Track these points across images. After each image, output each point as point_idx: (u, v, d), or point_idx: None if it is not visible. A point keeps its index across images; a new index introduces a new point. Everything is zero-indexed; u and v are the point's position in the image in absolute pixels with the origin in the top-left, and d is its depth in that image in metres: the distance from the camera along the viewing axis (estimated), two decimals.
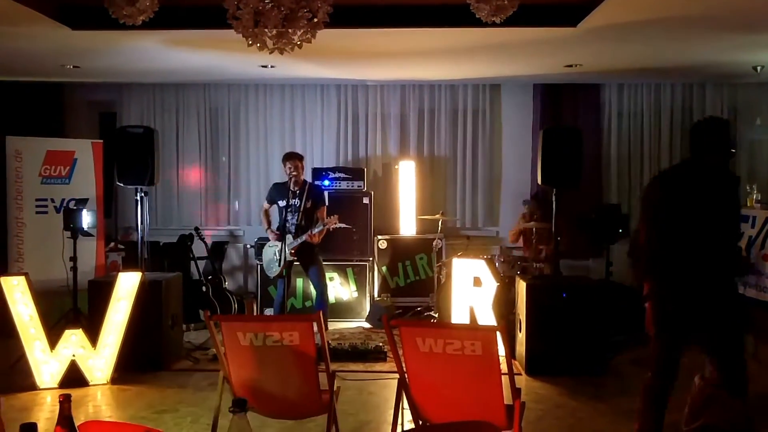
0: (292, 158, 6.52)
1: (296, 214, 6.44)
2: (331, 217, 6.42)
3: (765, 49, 6.37)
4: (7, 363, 5.64)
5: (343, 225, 6.58)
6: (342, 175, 7.92)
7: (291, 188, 6.45)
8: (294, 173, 6.43)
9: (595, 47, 6.24)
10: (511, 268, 6.94)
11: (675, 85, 8.36)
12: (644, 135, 8.42)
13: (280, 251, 6.41)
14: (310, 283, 6.82)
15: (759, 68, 7.11)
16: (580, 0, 5.17)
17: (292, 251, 6.41)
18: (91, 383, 5.37)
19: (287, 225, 6.49)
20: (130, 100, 8.56)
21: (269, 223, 6.72)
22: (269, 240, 6.67)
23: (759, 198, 6.93)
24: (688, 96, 8.39)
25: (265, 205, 6.82)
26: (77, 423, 1.81)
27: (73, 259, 6.26)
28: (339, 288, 7.66)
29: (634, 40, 5.98)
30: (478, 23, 4.11)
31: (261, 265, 7.66)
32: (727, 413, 3.71)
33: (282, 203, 6.55)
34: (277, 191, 6.67)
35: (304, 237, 6.37)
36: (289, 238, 6.44)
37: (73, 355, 5.32)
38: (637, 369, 5.90)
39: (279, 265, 6.44)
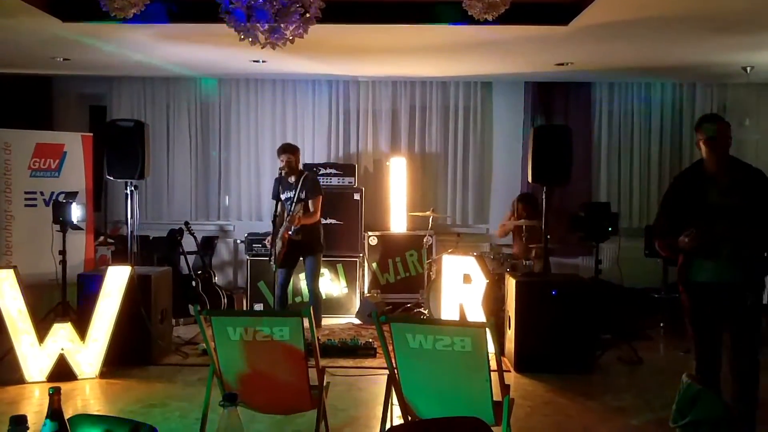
0: (284, 151, 6.48)
1: (291, 206, 6.43)
2: (300, 211, 6.31)
3: (755, 50, 6.41)
4: None
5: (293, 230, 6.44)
6: (333, 171, 7.91)
7: (288, 180, 6.44)
8: (285, 168, 6.39)
9: (587, 46, 6.26)
10: (501, 265, 6.96)
11: (665, 85, 8.41)
12: (634, 133, 8.47)
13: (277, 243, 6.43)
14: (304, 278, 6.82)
15: (749, 69, 7.16)
16: None
17: (284, 241, 6.35)
18: (79, 377, 5.35)
19: (285, 217, 6.47)
20: (120, 93, 8.52)
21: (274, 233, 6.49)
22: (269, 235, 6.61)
23: None
24: (678, 95, 8.43)
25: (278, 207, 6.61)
26: (66, 417, 1.80)
27: (62, 252, 6.24)
28: (329, 284, 7.66)
29: (625, 39, 6.00)
30: (471, 20, 4.12)
31: (251, 260, 7.66)
32: (714, 411, 3.75)
33: (283, 197, 6.54)
34: (275, 185, 6.64)
35: (286, 226, 6.32)
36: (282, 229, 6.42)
37: (62, 349, 5.29)
38: (625, 367, 5.95)
39: (275, 255, 6.42)
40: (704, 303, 3.99)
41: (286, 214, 6.47)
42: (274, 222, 6.42)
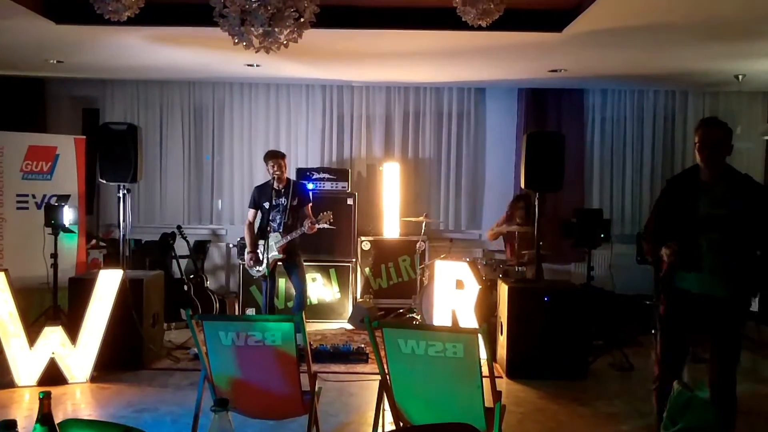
0: (276, 156, 6.39)
1: (284, 213, 6.33)
2: (326, 213, 6.29)
3: (747, 58, 6.45)
4: None
5: (327, 226, 6.49)
6: (326, 175, 7.91)
7: (275, 187, 6.36)
8: (278, 172, 6.31)
9: (580, 53, 6.28)
10: (493, 271, 6.97)
11: (658, 92, 8.45)
12: (627, 140, 8.51)
13: (264, 251, 6.31)
14: (292, 284, 6.74)
15: (740, 77, 7.20)
16: (566, 5, 5.21)
17: (281, 249, 6.28)
18: (70, 381, 5.32)
19: (272, 224, 6.37)
20: (113, 96, 8.50)
21: (252, 243, 6.41)
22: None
23: None
24: (671, 103, 8.49)
25: (250, 215, 6.51)
26: (56, 421, 1.79)
27: (54, 255, 6.22)
28: (321, 289, 7.65)
29: (619, 47, 6.03)
30: (464, 26, 4.13)
31: (243, 265, 7.62)
32: (705, 418, 3.75)
33: (266, 204, 6.35)
34: (260, 193, 6.48)
35: (298, 233, 6.24)
36: (276, 236, 6.31)
37: (53, 353, 5.26)
38: (616, 373, 5.95)
39: (265, 265, 6.32)
40: (682, 310, 3.90)
41: (275, 222, 6.34)
42: (264, 231, 6.33)
